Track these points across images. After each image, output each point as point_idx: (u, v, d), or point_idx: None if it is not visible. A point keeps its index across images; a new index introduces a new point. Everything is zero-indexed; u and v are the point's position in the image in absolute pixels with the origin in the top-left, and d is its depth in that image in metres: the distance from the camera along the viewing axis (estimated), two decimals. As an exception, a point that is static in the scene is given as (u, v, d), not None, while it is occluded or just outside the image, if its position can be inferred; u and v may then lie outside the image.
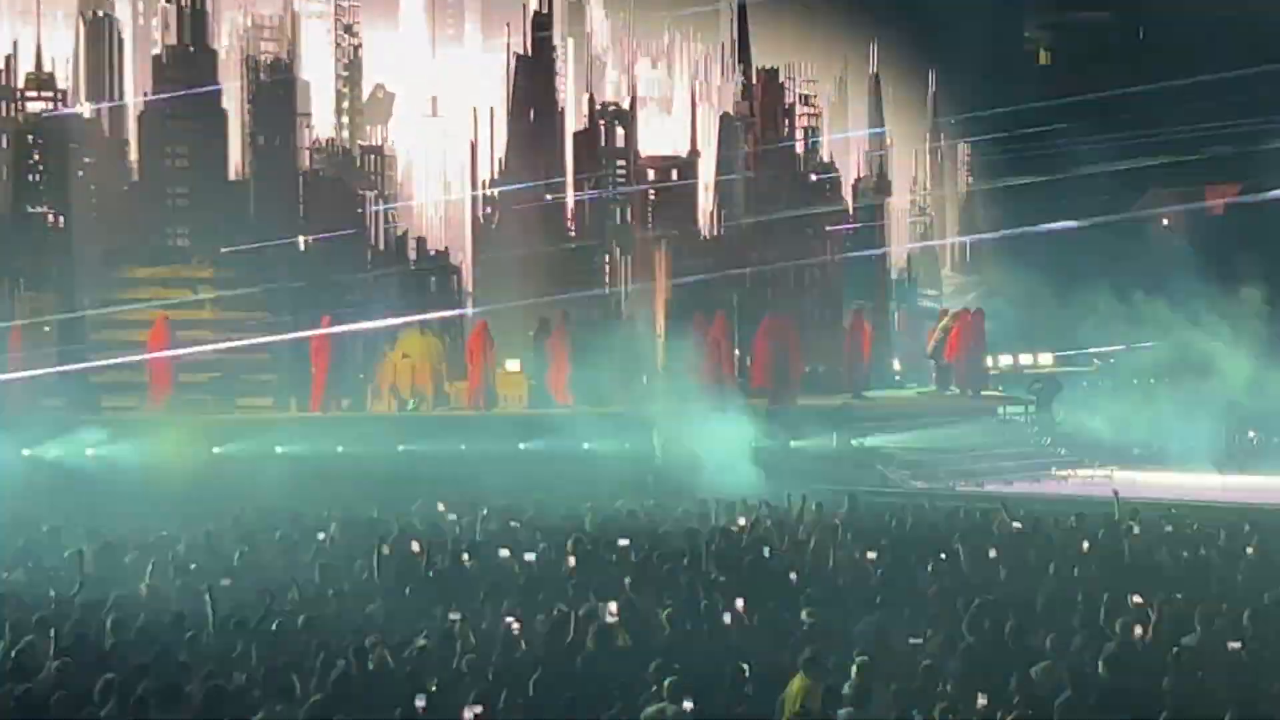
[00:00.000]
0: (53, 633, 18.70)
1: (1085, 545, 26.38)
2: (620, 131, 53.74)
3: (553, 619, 19.74)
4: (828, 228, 54.40)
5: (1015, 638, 18.81)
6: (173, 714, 15.77)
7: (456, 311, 48.46)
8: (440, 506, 32.07)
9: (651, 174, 53.55)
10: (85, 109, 50.03)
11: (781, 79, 55.75)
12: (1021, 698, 16.28)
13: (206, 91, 48.81)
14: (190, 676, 16.90)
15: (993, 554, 25.12)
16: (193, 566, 24.65)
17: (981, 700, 16.37)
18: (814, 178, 55.10)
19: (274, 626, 19.51)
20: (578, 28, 59.94)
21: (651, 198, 52.95)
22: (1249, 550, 25.66)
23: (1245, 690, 17.02)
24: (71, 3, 52.17)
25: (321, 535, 28.14)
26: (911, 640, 18.46)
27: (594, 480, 34.97)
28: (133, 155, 50.57)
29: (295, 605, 21.03)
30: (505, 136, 53.30)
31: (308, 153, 51.41)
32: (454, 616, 19.81)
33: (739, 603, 20.61)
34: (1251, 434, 46.38)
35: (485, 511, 30.58)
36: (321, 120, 53.91)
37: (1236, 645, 18.50)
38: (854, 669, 17.10)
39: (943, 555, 24.98)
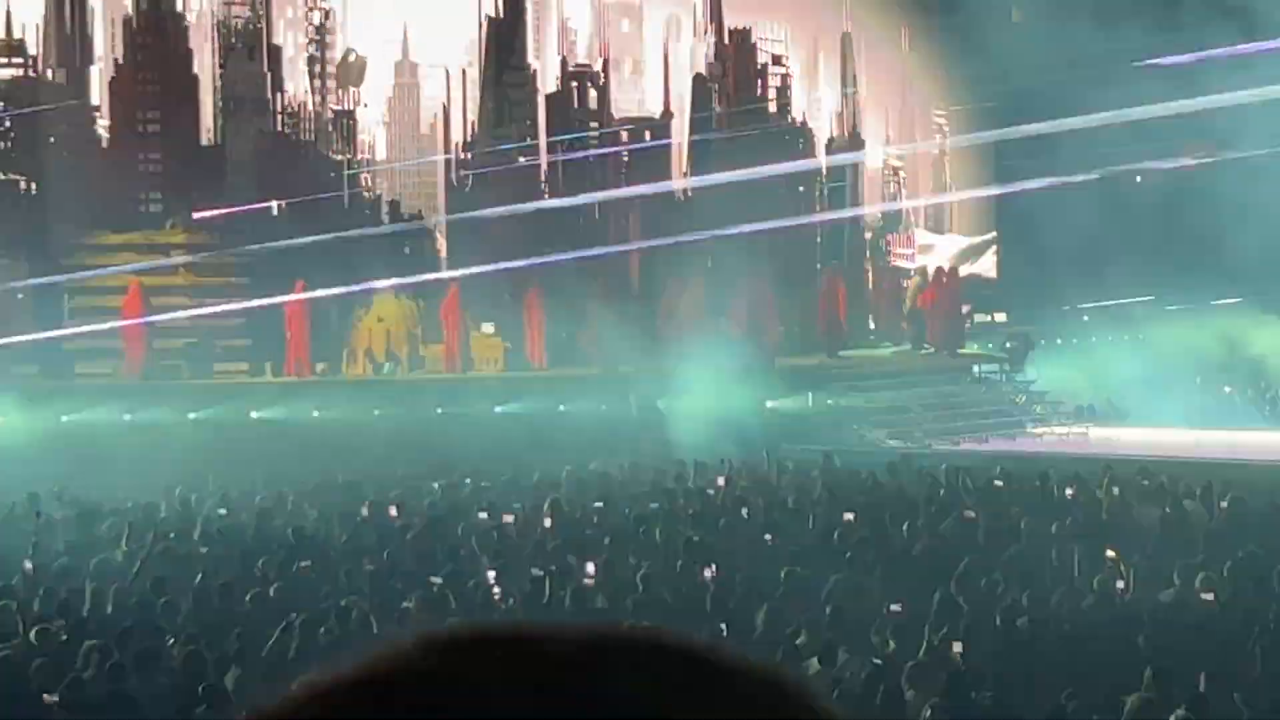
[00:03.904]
0: (34, 598, 18.73)
1: (1061, 502, 26.55)
2: (593, 93, 53.68)
3: (531, 580, 19.81)
4: (800, 187, 54.39)
5: (992, 594, 18.91)
6: (151, 679, 15.80)
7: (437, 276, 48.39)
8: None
9: (625, 135, 53.49)
10: (56, 75, 49.84)
11: (753, 39, 55.67)
12: (999, 652, 16.37)
13: (177, 57, 48.63)
14: (168, 642, 16.92)
15: (970, 513, 25.22)
16: (171, 535, 24.66)
17: (957, 647, 16.47)
18: (786, 138, 55.06)
19: (249, 596, 19.52)
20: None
21: (625, 159, 52.87)
22: (1223, 505, 25.78)
23: (1221, 644, 17.11)
24: (40, -32, 51.99)
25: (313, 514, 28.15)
26: (892, 607, 18.51)
27: (570, 442, 34.99)
28: (104, 121, 50.42)
29: (271, 570, 21.06)
30: (478, 99, 53.22)
31: (280, 117, 51.27)
32: (435, 579, 19.86)
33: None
34: (1227, 389, 46.52)
35: (468, 480, 30.71)
36: (293, 85, 53.74)
37: (1209, 597, 18.62)
38: (822, 625, 17.20)
39: (934, 508, 25.12)
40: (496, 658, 1.27)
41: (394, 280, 45.66)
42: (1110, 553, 20.46)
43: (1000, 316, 56.15)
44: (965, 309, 52.47)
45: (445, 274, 47.81)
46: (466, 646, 1.30)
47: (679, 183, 52.93)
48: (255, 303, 45.18)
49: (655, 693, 1.25)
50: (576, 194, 50.08)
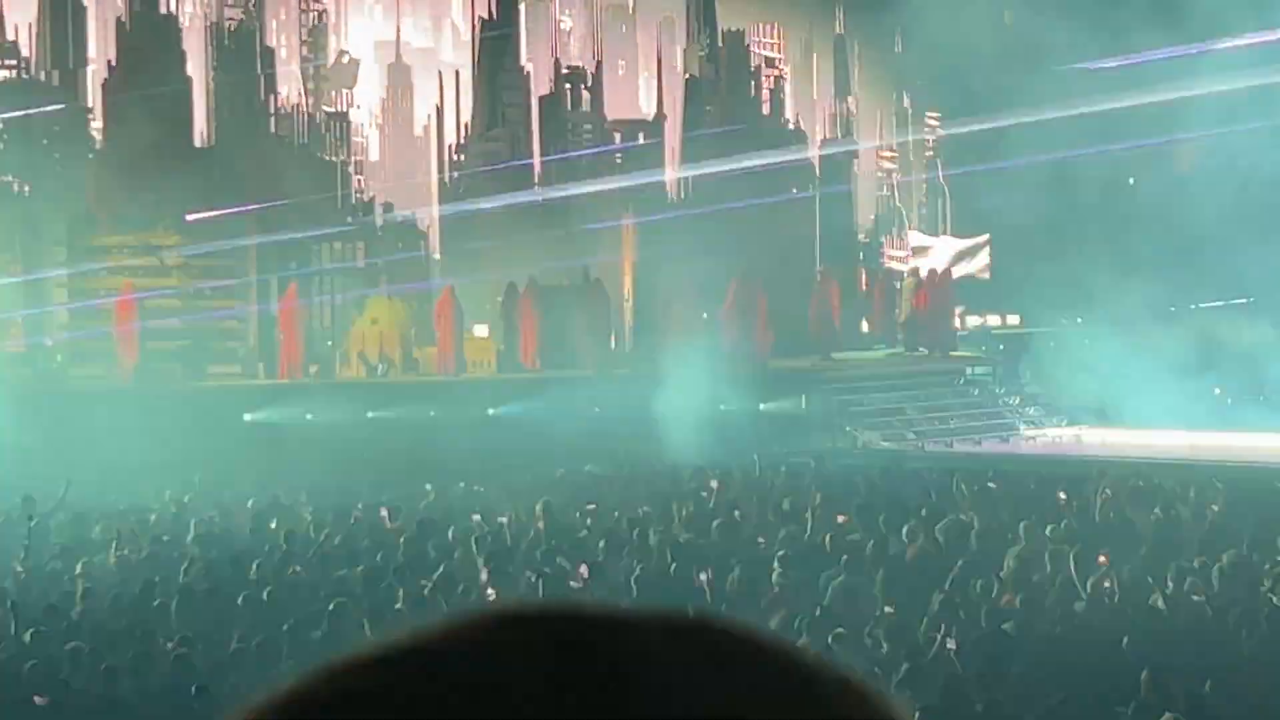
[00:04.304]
0: (27, 601, 18.72)
1: (1055, 504, 26.56)
2: (586, 94, 53.66)
3: (523, 583, 19.78)
4: (794, 190, 54.39)
5: (986, 596, 18.91)
6: (143, 682, 15.79)
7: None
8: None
9: (618, 137, 53.48)
10: (49, 77, 49.80)
11: (747, 40, 55.69)
12: (992, 654, 16.37)
13: (170, 59, 48.60)
14: (160, 645, 16.91)
15: (964, 516, 25.20)
16: (164, 538, 24.64)
17: (951, 644, 16.48)
18: (779, 140, 55.06)
19: (241, 598, 19.50)
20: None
21: (618, 160, 52.86)
22: (1214, 508, 25.77)
23: (1212, 646, 17.11)
24: (33, -30, 51.95)
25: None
26: (886, 609, 18.50)
27: (563, 445, 34.97)
28: (97, 123, 50.38)
29: (264, 573, 21.04)
30: (471, 101, 53.20)
31: (272, 119, 51.24)
32: (427, 582, 19.84)
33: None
34: (1217, 390, 46.50)
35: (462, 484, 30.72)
36: (286, 87, 53.73)
37: (1200, 599, 18.64)
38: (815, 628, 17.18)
39: (926, 511, 25.11)
40: (572, 636, 1.22)
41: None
42: (1102, 558, 20.46)
43: (993, 318, 56.17)
44: (958, 311, 52.50)
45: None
46: (552, 621, 1.24)
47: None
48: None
49: (739, 693, 1.21)
50: (570, 194, 50.08)
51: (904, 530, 23.46)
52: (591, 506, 27.12)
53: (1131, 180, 58.15)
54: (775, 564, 21.01)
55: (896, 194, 60.97)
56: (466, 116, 53.10)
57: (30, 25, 50.77)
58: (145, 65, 48.26)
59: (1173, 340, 47.38)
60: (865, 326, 54.95)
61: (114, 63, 49.34)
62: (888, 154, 61.05)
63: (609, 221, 51.16)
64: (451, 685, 1.20)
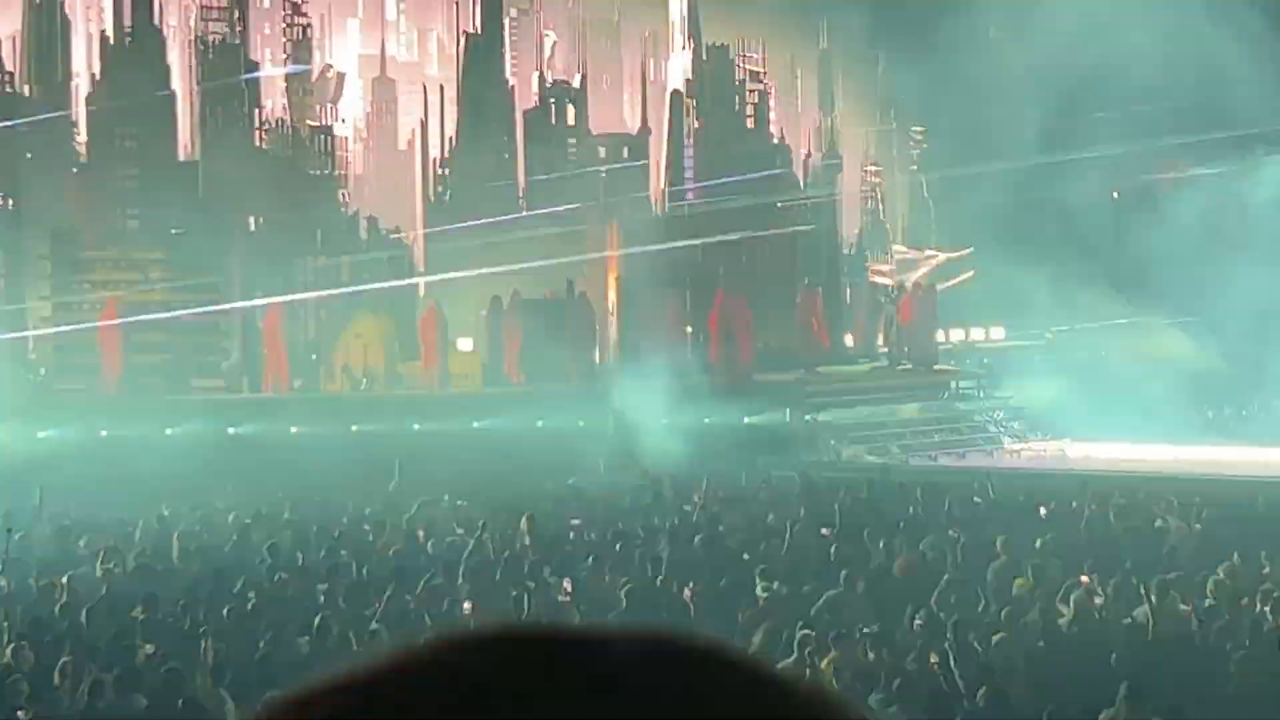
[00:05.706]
0: (10, 616, 18.68)
1: (1039, 518, 26.59)
2: (570, 109, 53.68)
3: (507, 598, 19.76)
4: (779, 204, 54.43)
5: (971, 610, 18.92)
6: (129, 697, 15.75)
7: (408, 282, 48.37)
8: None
9: (602, 151, 53.50)
10: (33, 90, 49.72)
11: (731, 55, 55.73)
12: (977, 667, 16.38)
13: (155, 72, 48.54)
14: (145, 659, 16.87)
15: (948, 530, 25.20)
16: (148, 552, 24.59)
17: (933, 659, 16.48)
18: (764, 154, 55.10)
19: (225, 612, 19.47)
20: (527, 5, 59.85)
21: (602, 175, 52.88)
22: (1197, 526, 25.79)
23: (1198, 660, 17.13)
24: (17, -16, 51.87)
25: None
26: (872, 623, 18.49)
27: (547, 458, 34.94)
28: (81, 137, 50.29)
29: (248, 587, 21.00)
30: (456, 115, 53.18)
31: (257, 133, 51.18)
32: (410, 597, 19.82)
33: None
34: (1210, 413, 46.55)
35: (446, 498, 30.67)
36: (271, 100, 53.69)
37: (1186, 609, 18.65)
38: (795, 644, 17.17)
39: (904, 525, 25.12)
40: (540, 658, 1.24)
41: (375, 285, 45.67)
42: (1084, 577, 20.45)
43: (977, 332, 56.19)
44: (940, 327, 52.55)
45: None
46: (519, 645, 1.26)
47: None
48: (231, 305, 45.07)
49: (705, 702, 1.23)
50: (555, 208, 50.08)
51: (888, 544, 23.47)
52: (576, 521, 27.11)
53: (1115, 194, 58.25)
54: (760, 578, 20.99)
55: (881, 208, 61.00)
56: (451, 130, 53.09)
57: (14, 38, 50.69)
58: (129, 78, 48.19)
59: (1155, 354, 47.42)
60: (850, 340, 54.97)
61: (98, 76, 49.28)
62: (872, 168, 61.10)
63: (593, 235, 51.18)
64: (429, 709, 1.20)
